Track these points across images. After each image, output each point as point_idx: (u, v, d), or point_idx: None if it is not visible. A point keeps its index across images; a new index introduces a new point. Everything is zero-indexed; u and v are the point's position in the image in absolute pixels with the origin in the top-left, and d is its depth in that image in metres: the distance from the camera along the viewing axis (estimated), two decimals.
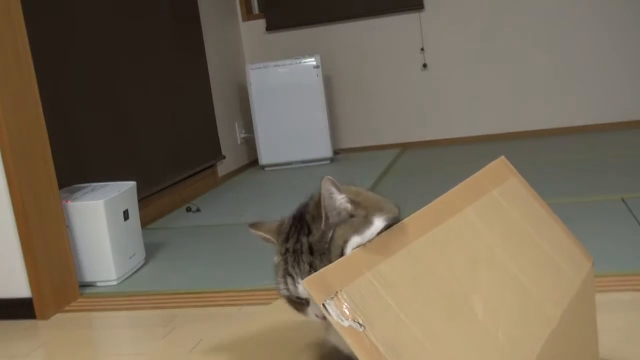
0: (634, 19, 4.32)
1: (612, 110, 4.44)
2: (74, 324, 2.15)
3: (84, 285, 2.45)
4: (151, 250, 2.82)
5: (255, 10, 5.09)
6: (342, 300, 0.73)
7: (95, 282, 2.47)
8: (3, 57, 2.13)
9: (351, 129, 4.92)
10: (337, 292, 0.73)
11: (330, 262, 0.81)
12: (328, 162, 4.58)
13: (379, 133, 4.86)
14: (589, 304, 1.15)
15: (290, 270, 0.87)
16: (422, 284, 0.83)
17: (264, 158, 4.60)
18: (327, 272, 0.76)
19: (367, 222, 0.87)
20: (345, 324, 0.71)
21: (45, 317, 2.21)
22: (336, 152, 4.78)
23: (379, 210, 0.89)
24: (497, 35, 4.54)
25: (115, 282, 2.46)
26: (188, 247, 2.89)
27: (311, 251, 0.86)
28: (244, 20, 5.03)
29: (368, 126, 4.87)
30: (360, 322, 0.72)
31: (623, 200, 2.68)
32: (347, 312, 0.72)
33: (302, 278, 0.84)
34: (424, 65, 4.70)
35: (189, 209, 3.59)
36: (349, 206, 0.88)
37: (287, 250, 0.89)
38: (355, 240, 0.85)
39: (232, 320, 2.00)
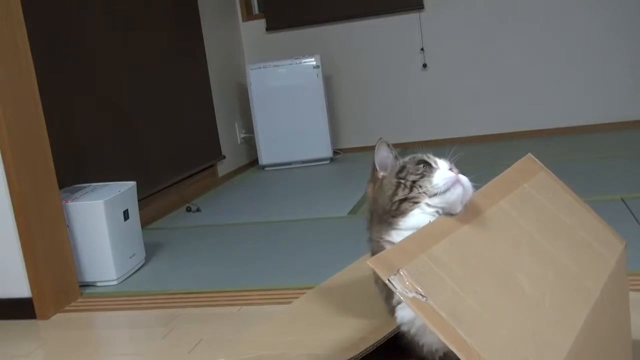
0: (634, 19, 4.32)
1: (612, 110, 4.45)
2: (74, 324, 2.15)
3: (84, 285, 2.45)
4: (151, 250, 2.82)
5: (255, 10, 5.09)
6: (404, 276, 0.80)
7: (95, 282, 2.47)
8: (3, 57, 2.13)
9: (351, 129, 4.92)
10: (398, 269, 0.81)
11: None
12: (328, 162, 4.58)
13: (378, 133, 4.83)
14: (623, 283, 1.20)
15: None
16: (470, 264, 0.90)
17: (264, 158, 4.60)
18: (387, 253, 0.84)
19: None
20: (410, 295, 0.79)
21: (45, 317, 2.21)
22: (336, 152, 4.79)
23: None
24: (497, 35, 4.54)
25: (115, 282, 2.47)
26: (188, 247, 2.89)
27: None
28: (244, 20, 5.03)
29: (368, 126, 4.87)
30: (423, 293, 0.79)
31: (623, 200, 2.68)
32: (410, 286, 0.80)
33: None
34: (424, 65, 4.70)
35: (189, 209, 3.59)
36: None
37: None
38: None
39: (232, 320, 2.00)
